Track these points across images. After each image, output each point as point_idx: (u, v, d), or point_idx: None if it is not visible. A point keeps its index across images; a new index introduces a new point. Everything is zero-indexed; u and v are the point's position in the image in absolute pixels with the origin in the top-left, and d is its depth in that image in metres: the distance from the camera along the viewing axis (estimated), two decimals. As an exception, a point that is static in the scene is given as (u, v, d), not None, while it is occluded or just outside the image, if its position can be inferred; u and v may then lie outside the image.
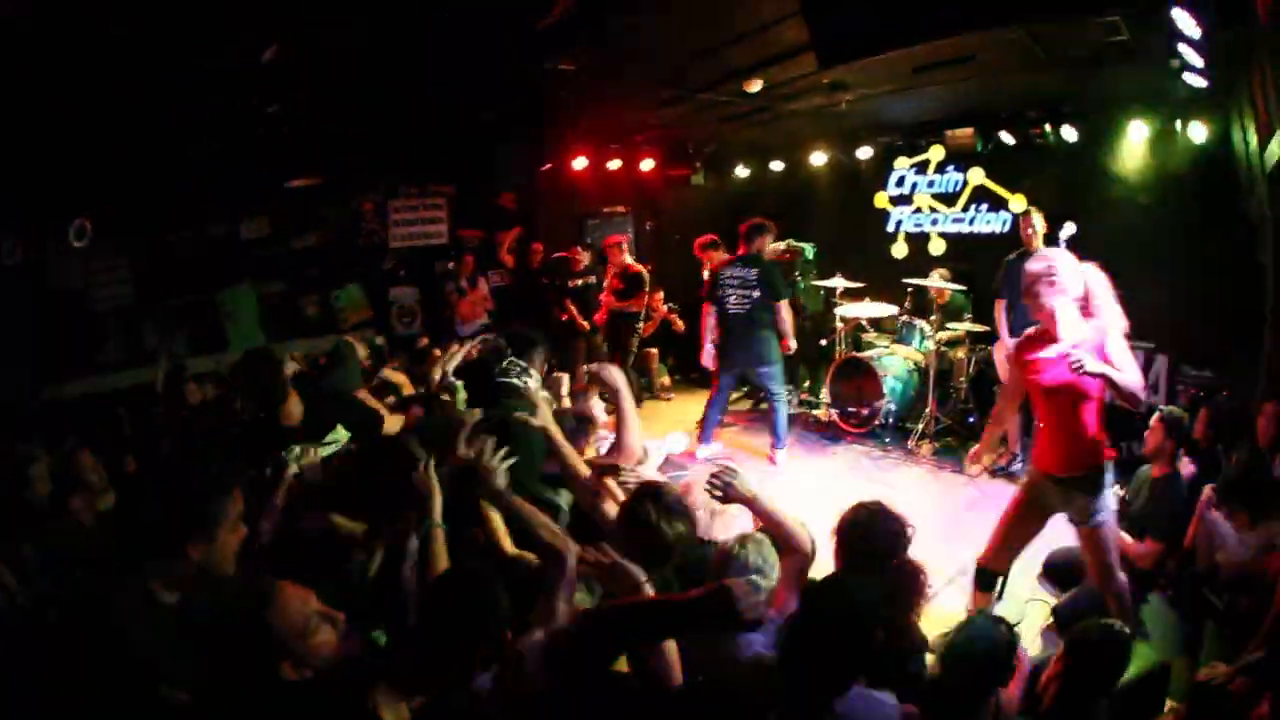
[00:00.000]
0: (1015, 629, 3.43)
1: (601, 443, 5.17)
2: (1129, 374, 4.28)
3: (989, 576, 5.23)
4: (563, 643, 2.56)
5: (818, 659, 2.69)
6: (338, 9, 5.45)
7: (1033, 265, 4.53)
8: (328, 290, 11.00)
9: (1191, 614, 5.02)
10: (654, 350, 11.89)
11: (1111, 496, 4.73)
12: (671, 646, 2.91)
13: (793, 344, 8.99)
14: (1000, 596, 5.47)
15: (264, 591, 2.50)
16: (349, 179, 10.66)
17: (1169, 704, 4.06)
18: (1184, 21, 5.28)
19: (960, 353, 9.71)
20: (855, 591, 2.86)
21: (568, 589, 2.87)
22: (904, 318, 10.20)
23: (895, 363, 9.73)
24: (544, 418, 4.13)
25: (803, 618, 2.79)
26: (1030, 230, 7.67)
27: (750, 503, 3.57)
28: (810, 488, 8.18)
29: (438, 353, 7.34)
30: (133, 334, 9.46)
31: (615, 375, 4.41)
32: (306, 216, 10.73)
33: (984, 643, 3.19)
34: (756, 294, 8.64)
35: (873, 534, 3.64)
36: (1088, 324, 4.49)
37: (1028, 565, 6.01)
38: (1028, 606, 5.74)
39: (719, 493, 3.51)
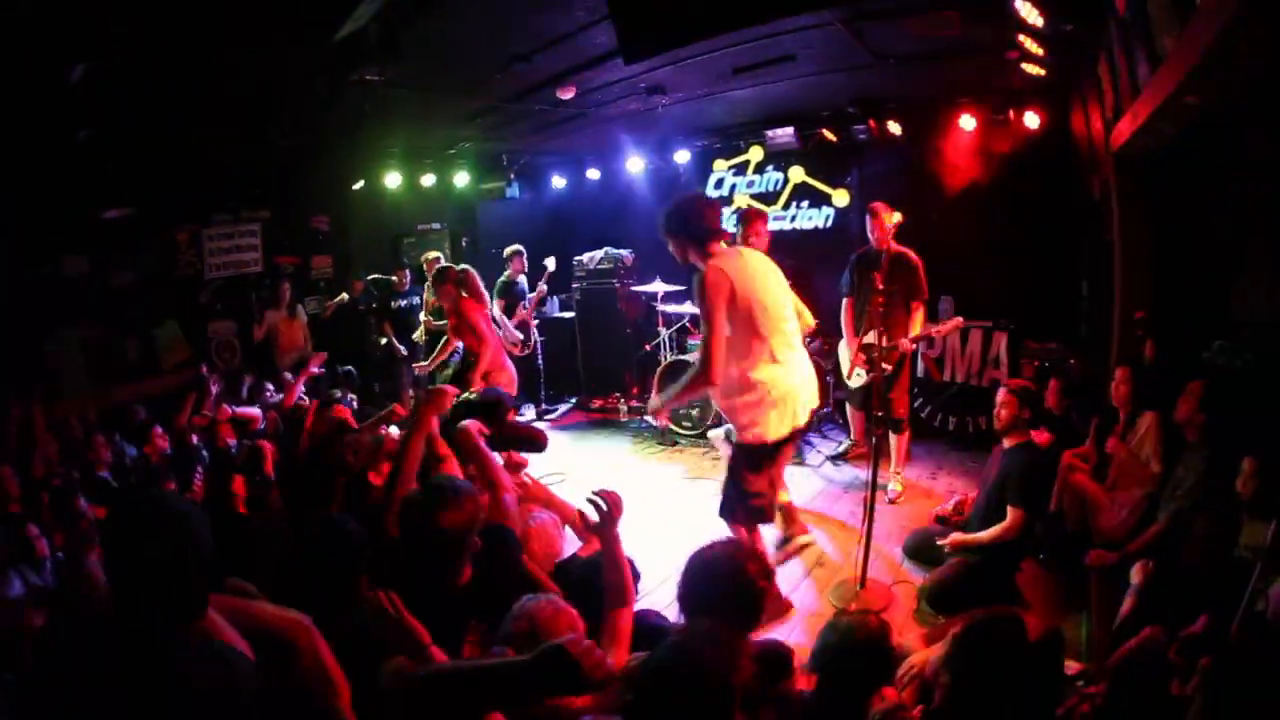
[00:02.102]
0: (885, 622, 3.11)
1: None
2: None
3: None
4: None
5: None
6: (136, 25, 4.71)
7: None
8: (147, 329, 9.92)
9: (1069, 574, 5.21)
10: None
11: None
12: None
13: None
14: (863, 584, 5.42)
15: None
16: (164, 208, 9.66)
17: (1070, 664, 3.86)
18: (1026, 11, 5.04)
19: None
20: (693, 670, 2.25)
21: None
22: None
23: (722, 362, 9.20)
24: None
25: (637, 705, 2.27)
26: (879, 230, 7.06)
27: (613, 541, 3.15)
28: (649, 493, 7.76)
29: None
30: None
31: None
32: (123, 251, 9.61)
33: (855, 639, 2.93)
34: None
35: (722, 590, 2.95)
36: None
37: (890, 547, 6.13)
38: (894, 590, 5.57)
39: (596, 517, 3.12)
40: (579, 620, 2.84)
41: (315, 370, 7.84)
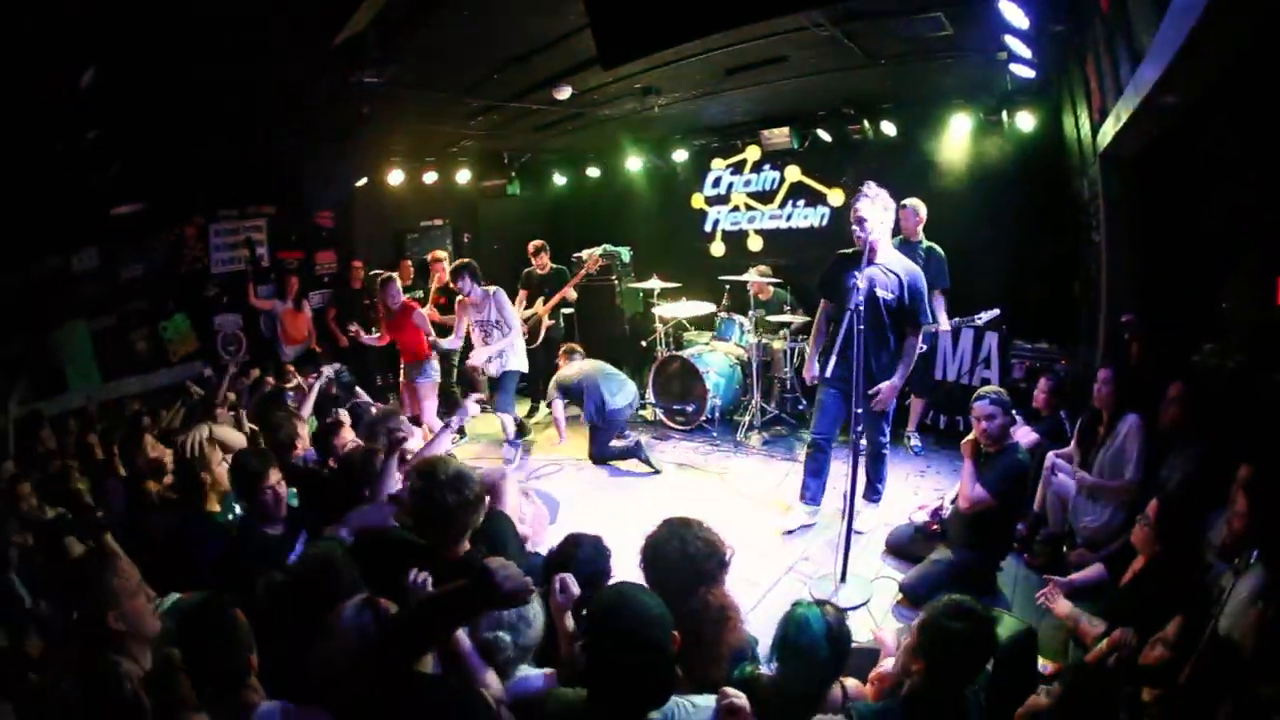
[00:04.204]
0: (843, 610, 3.25)
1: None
2: None
3: None
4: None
5: (624, 685, 2.48)
6: (144, 35, 4.78)
7: None
8: (155, 322, 10.02)
9: (1052, 574, 5.05)
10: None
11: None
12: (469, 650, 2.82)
13: None
14: (844, 579, 5.36)
15: None
16: (171, 204, 9.73)
17: (1042, 662, 3.96)
18: (1011, 13, 4.95)
19: (779, 345, 9.34)
20: (634, 609, 2.54)
21: None
22: (723, 314, 9.91)
23: (717, 359, 9.35)
24: None
25: (592, 650, 2.56)
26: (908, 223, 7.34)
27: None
28: (643, 487, 7.81)
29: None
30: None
31: None
32: (132, 246, 9.70)
33: (815, 629, 2.99)
34: None
35: (676, 559, 3.14)
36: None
37: (872, 545, 6.16)
38: (874, 585, 5.54)
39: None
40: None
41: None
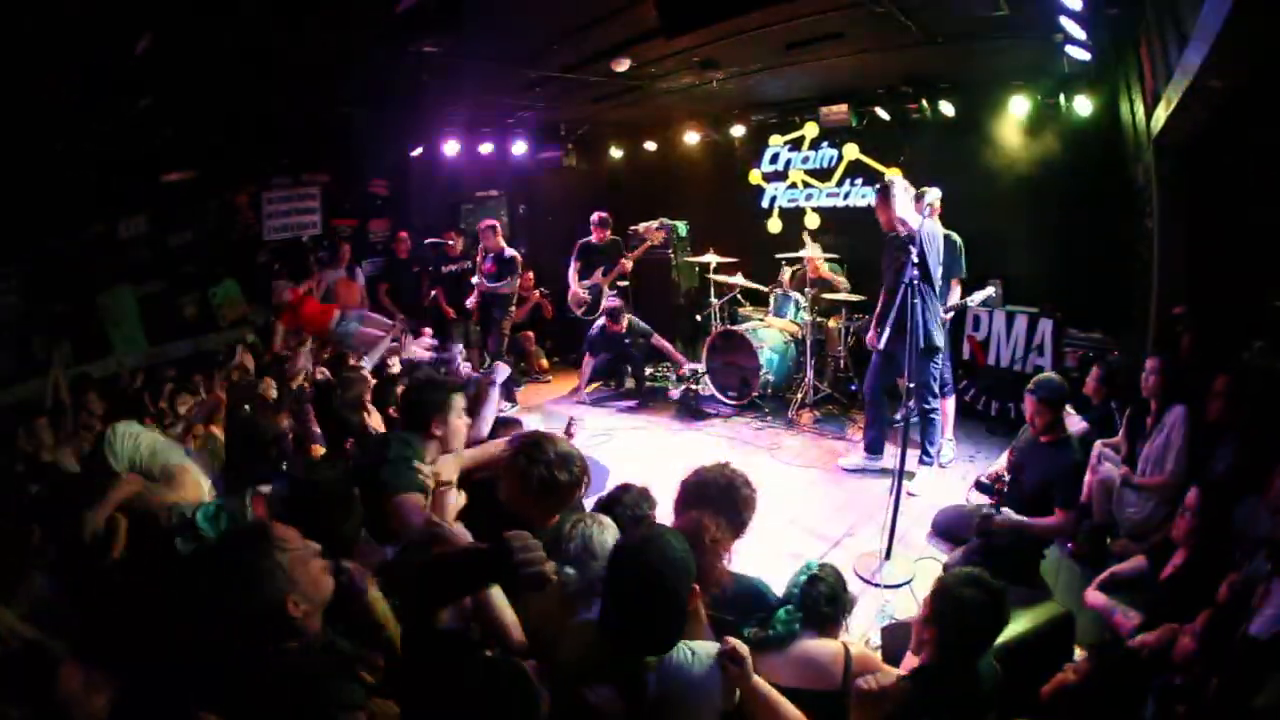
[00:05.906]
0: (831, 578, 3.37)
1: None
2: None
3: None
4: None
5: (633, 622, 2.60)
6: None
7: None
8: (205, 288, 10.24)
9: (1094, 564, 5.16)
10: (530, 333, 11.57)
11: None
12: (502, 606, 2.80)
13: None
14: (889, 556, 5.48)
15: None
16: (224, 171, 9.94)
17: (1078, 651, 3.87)
18: (1064, -7, 4.99)
19: (835, 323, 9.47)
20: (658, 549, 2.65)
21: None
22: (779, 290, 10.01)
23: (771, 335, 9.46)
24: None
25: (609, 583, 2.68)
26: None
27: None
28: (695, 460, 7.73)
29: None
30: (21, 345, 8.50)
31: None
32: (183, 212, 9.92)
33: (812, 579, 3.27)
34: None
35: (710, 490, 3.60)
36: None
37: (918, 524, 6.23)
38: (918, 565, 5.63)
39: None
40: None
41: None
